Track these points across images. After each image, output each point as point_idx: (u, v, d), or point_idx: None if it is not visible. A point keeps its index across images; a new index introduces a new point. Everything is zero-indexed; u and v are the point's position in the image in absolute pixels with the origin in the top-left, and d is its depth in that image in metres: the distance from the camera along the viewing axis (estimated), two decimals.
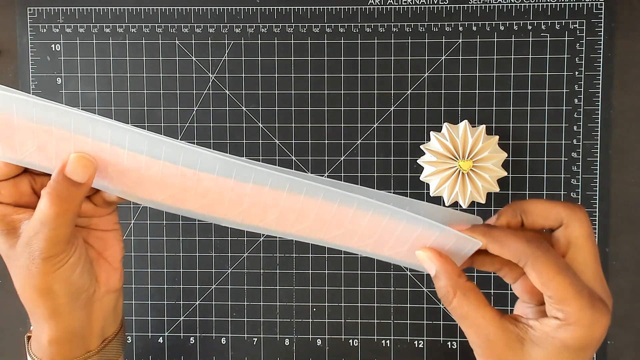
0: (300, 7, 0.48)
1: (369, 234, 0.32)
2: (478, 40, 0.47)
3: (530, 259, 0.29)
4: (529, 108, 0.47)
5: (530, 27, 0.47)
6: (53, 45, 0.49)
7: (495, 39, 0.47)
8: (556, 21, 0.47)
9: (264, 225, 0.33)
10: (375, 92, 0.48)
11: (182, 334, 0.50)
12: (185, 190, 0.31)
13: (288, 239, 0.40)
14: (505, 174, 0.46)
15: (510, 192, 0.48)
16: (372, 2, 0.48)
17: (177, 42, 0.49)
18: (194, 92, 0.49)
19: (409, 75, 0.48)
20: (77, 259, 0.32)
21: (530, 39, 0.47)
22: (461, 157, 0.45)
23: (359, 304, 0.49)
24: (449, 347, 0.48)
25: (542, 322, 0.30)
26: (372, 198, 0.31)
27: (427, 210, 0.33)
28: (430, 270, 0.32)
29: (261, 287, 0.49)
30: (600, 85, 0.47)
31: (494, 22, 0.47)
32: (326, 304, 0.49)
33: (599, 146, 0.47)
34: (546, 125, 0.47)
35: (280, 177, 0.30)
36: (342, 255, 0.49)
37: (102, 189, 0.32)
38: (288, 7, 0.48)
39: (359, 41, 0.48)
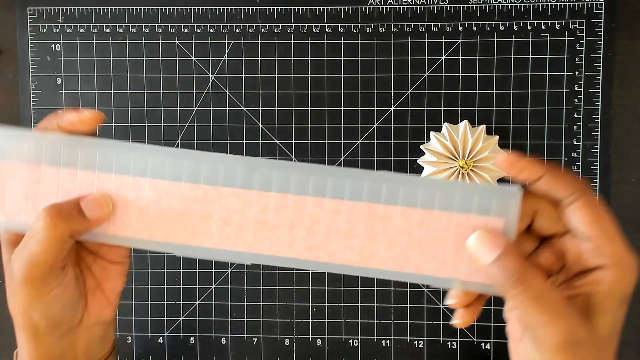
0: (300, 7, 0.48)
1: (406, 237, 0.30)
2: (478, 40, 0.47)
3: (584, 194, 0.28)
4: (529, 108, 0.47)
5: (530, 27, 0.47)
6: (53, 45, 0.49)
7: (495, 39, 0.47)
8: (556, 21, 0.47)
9: (292, 253, 0.30)
10: (375, 92, 0.48)
11: (182, 334, 0.50)
12: (207, 216, 0.31)
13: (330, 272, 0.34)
14: (506, 174, 0.46)
15: None
16: (372, 2, 0.48)
17: (177, 42, 0.49)
18: (194, 92, 0.49)
19: (409, 75, 0.48)
20: (59, 295, 0.31)
21: (530, 39, 0.47)
22: (461, 157, 0.45)
23: (359, 304, 0.49)
24: (449, 347, 0.48)
25: (591, 281, 0.29)
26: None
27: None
28: (486, 257, 0.28)
29: (261, 287, 0.49)
30: (600, 85, 0.47)
31: (494, 22, 0.47)
32: (326, 304, 0.49)
33: (599, 146, 0.47)
34: (546, 125, 0.47)
35: (305, 167, 0.29)
36: None
37: (123, 243, 0.32)
38: (288, 7, 0.48)
39: (359, 41, 0.48)
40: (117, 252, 0.35)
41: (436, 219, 0.29)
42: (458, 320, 0.31)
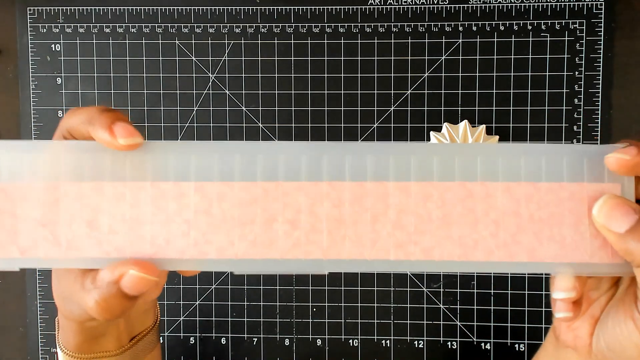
0: (300, 7, 0.48)
1: (513, 218, 0.25)
2: (478, 40, 0.47)
3: None
4: (529, 108, 0.47)
5: (530, 27, 0.47)
6: (53, 45, 0.49)
7: (495, 39, 0.47)
8: (556, 21, 0.47)
9: (378, 254, 0.26)
10: (375, 92, 0.48)
11: (182, 334, 0.50)
12: (270, 220, 0.26)
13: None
14: None
15: None
16: (372, 2, 0.48)
17: (177, 42, 0.49)
18: (194, 92, 0.49)
19: (409, 75, 0.48)
20: None
21: (530, 39, 0.47)
22: None
23: (359, 304, 0.49)
24: (449, 347, 0.48)
25: None
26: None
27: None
28: (620, 225, 0.24)
29: (261, 287, 0.49)
30: (600, 85, 0.47)
31: (494, 22, 0.47)
32: (326, 304, 0.49)
33: None
34: (546, 125, 0.47)
35: (381, 147, 0.25)
36: None
37: (167, 267, 0.27)
38: (288, 7, 0.48)
39: (359, 41, 0.48)
40: None
41: (545, 192, 0.25)
42: (570, 314, 0.26)
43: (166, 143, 0.26)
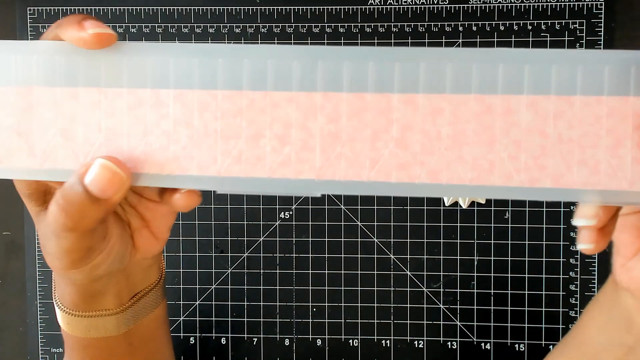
0: (300, 7, 0.48)
1: (538, 138, 0.22)
2: (478, 40, 0.47)
3: None
4: None
5: (530, 27, 0.47)
6: None
7: (495, 39, 0.47)
8: (556, 21, 0.47)
9: (378, 175, 0.23)
10: None
11: (182, 334, 0.50)
12: (257, 134, 0.24)
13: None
14: None
15: None
16: (372, 2, 0.48)
17: (177, 42, 0.49)
18: None
19: None
20: (103, 259, 0.27)
21: (531, 39, 0.47)
22: None
23: (359, 304, 0.49)
24: (449, 347, 0.49)
25: None
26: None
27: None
28: None
29: (261, 287, 0.49)
30: None
31: (494, 22, 0.47)
32: (326, 304, 0.49)
33: None
34: None
35: (385, 52, 0.22)
36: (342, 256, 0.49)
37: (145, 182, 0.25)
38: (288, 7, 0.48)
39: (359, 41, 0.48)
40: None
41: (580, 108, 0.22)
42: (592, 245, 0.24)
43: (142, 44, 0.24)
